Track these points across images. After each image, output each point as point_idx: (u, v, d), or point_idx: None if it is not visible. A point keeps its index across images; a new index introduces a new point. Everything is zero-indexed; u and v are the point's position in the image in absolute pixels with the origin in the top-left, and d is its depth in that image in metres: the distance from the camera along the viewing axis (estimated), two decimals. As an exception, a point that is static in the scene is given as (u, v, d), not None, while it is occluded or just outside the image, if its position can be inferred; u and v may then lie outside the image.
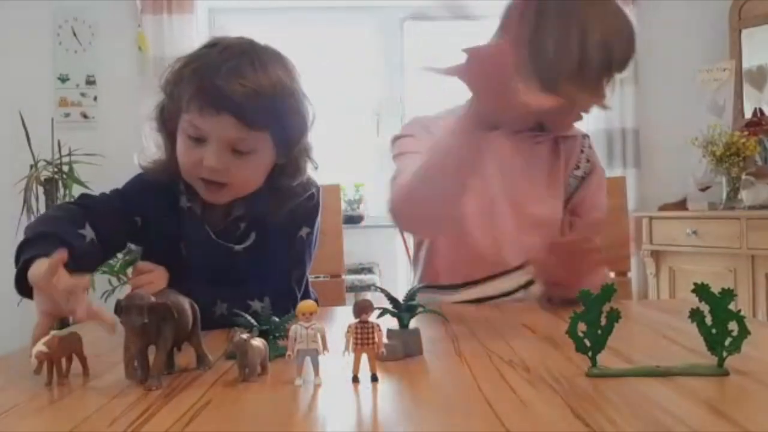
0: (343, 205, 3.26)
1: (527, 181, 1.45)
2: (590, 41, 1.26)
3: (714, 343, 0.76)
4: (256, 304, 1.15)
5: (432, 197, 1.17)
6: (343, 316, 1.24)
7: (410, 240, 1.60)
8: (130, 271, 3.59)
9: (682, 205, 3.53)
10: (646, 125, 3.75)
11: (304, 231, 1.26)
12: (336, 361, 0.78)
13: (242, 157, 1.13)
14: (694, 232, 3.21)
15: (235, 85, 1.07)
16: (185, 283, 1.02)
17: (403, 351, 0.87)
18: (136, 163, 1.24)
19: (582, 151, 1.51)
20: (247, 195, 1.20)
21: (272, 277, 1.22)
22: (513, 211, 1.44)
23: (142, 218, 1.23)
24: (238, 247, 1.23)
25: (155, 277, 1.16)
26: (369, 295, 3.00)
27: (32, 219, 3.34)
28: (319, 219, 1.30)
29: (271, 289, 1.19)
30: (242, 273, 1.22)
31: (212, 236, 1.22)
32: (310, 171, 1.25)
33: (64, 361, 0.78)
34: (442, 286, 1.44)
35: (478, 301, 1.42)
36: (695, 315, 0.76)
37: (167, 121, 1.18)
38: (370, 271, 3.65)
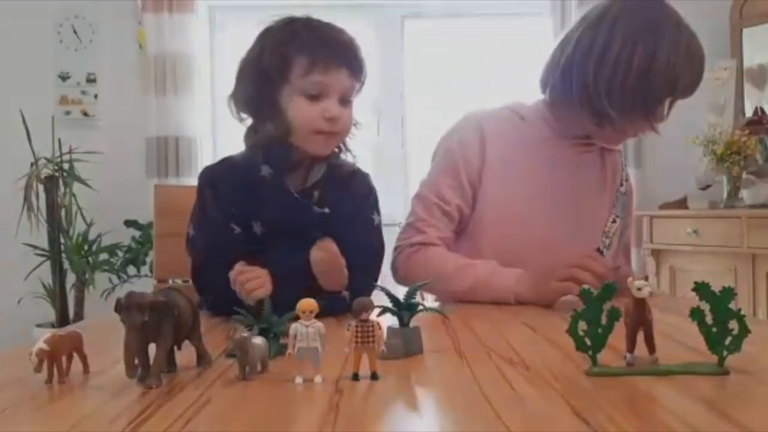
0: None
1: (576, 186, 1.49)
2: (657, 65, 1.30)
3: (714, 342, 0.76)
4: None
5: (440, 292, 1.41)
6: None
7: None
8: (130, 269, 3.59)
9: (682, 204, 3.53)
10: (646, 124, 3.75)
11: (377, 219, 1.38)
12: (336, 359, 0.78)
13: (346, 106, 1.30)
14: (695, 231, 3.21)
15: (345, 41, 1.29)
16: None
17: (403, 349, 0.87)
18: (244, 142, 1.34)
19: (623, 169, 1.58)
20: (323, 161, 1.33)
21: (357, 258, 1.27)
22: (561, 213, 1.46)
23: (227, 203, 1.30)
24: (317, 209, 1.29)
25: (263, 281, 1.17)
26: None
27: (32, 217, 3.35)
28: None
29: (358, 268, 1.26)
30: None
31: (294, 194, 1.29)
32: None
33: (64, 359, 0.78)
34: None
35: None
36: (696, 314, 0.76)
37: (271, 91, 1.28)
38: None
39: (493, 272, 1.36)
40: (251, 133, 1.33)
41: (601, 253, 1.46)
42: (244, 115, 1.33)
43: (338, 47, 1.28)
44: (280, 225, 1.28)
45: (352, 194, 1.36)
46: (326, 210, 1.30)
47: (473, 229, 1.49)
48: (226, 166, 1.35)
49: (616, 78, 1.33)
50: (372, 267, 1.34)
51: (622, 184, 1.55)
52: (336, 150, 1.37)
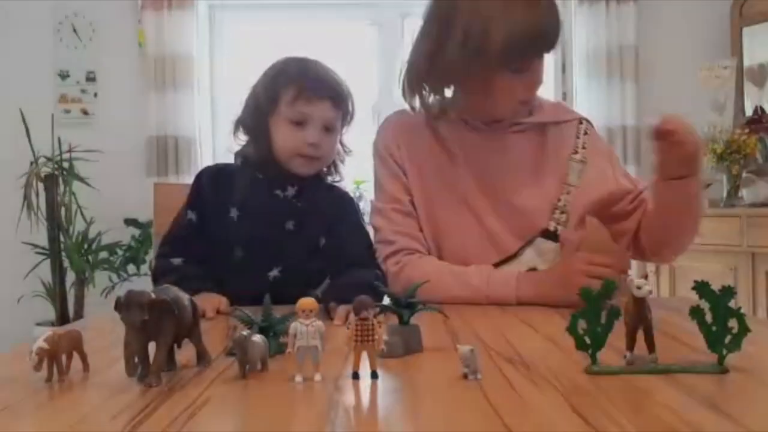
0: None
1: (504, 173, 1.45)
2: (492, 34, 1.33)
3: (714, 341, 0.76)
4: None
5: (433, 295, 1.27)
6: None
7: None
8: (130, 268, 3.60)
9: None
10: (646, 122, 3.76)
11: (361, 223, 1.52)
12: (336, 358, 0.78)
13: (330, 134, 1.43)
14: (695, 230, 3.21)
15: (330, 77, 1.44)
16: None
17: (403, 348, 0.87)
18: (232, 152, 1.52)
19: (578, 137, 1.51)
20: (298, 179, 1.44)
21: (354, 250, 1.42)
22: (492, 204, 1.44)
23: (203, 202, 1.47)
24: (283, 194, 1.43)
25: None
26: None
27: (32, 216, 3.35)
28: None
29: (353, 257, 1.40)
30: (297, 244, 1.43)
31: (259, 176, 1.44)
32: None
33: (64, 357, 0.78)
34: None
35: None
36: (695, 313, 0.76)
37: (261, 117, 1.44)
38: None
39: (490, 276, 1.35)
40: (242, 149, 1.49)
41: (554, 232, 1.43)
42: (243, 137, 1.49)
43: (322, 81, 1.43)
44: (250, 208, 1.44)
45: (334, 199, 1.50)
46: (299, 204, 1.44)
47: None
48: (214, 165, 1.57)
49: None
50: (369, 255, 1.44)
51: (576, 152, 1.49)
52: (324, 171, 1.51)
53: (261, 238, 1.43)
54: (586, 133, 1.52)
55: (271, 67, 1.48)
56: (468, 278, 1.36)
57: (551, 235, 1.43)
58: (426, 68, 1.47)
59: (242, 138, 1.50)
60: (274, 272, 1.43)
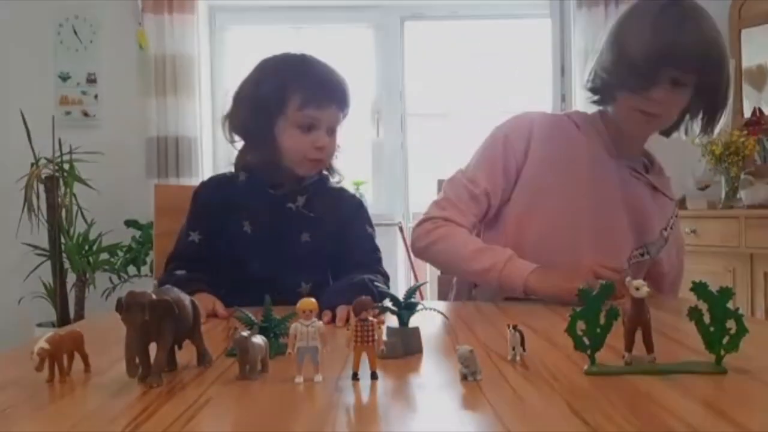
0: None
1: (618, 201, 1.48)
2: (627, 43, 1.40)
3: (712, 342, 0.76)
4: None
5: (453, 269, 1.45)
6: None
7: (409, 240, 1.62)
8: (130, 269, 3.60)
9: (681, 204, 3.53)
10: (646, 124, 3.75)
11: (370, 230, 1.51)
12: (336, 358, 0.79)
13: (333, 135, 1.45)
14: (693, 231, 3.21)
15: (336, 80, 1.44)
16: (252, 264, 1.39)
17: (403, 349, 0.87)
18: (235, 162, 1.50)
19: (671, 218, 1.59)
20: (305, 187, 1.47)
21: (359, 256, 1.45)
22: (592, 225, 1.46)
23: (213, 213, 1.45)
24: (294, 207, 1.44)
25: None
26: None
27: (33, 217, 3.35)
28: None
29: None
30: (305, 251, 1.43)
31: (269, 192, 1.44)
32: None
33: (65, 358, 0.78)
34: None
35: None
36: (694, 313, 0.76)
37: (266, 122, 1.42)
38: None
39: (510, 259, 1.38)
40: (241, 157, 1.48)
41: None
42: (236, 138, 1.47)
43: (331, 86, 1.43)
44: (264, 223, 1.43)
45: (343, 205, 1.51)
46: (311, 214, 1.45)
47: (504, 220, 1.52)
48: (213, 178, 1.55)
49: (606, 53, 1.48)
50: (375, 259, 1.46)
51: (666, 228, 1.56)
52: (326, 171, 1.52)
53: (280, 253, 1.42)
54: (676, 216, 1.62)
55: (271, 67, 1.45)
56: (488, 255, 1.40)
57: None
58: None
59: (237, 139, 1.47)
60: (304, 287, 1.42)
